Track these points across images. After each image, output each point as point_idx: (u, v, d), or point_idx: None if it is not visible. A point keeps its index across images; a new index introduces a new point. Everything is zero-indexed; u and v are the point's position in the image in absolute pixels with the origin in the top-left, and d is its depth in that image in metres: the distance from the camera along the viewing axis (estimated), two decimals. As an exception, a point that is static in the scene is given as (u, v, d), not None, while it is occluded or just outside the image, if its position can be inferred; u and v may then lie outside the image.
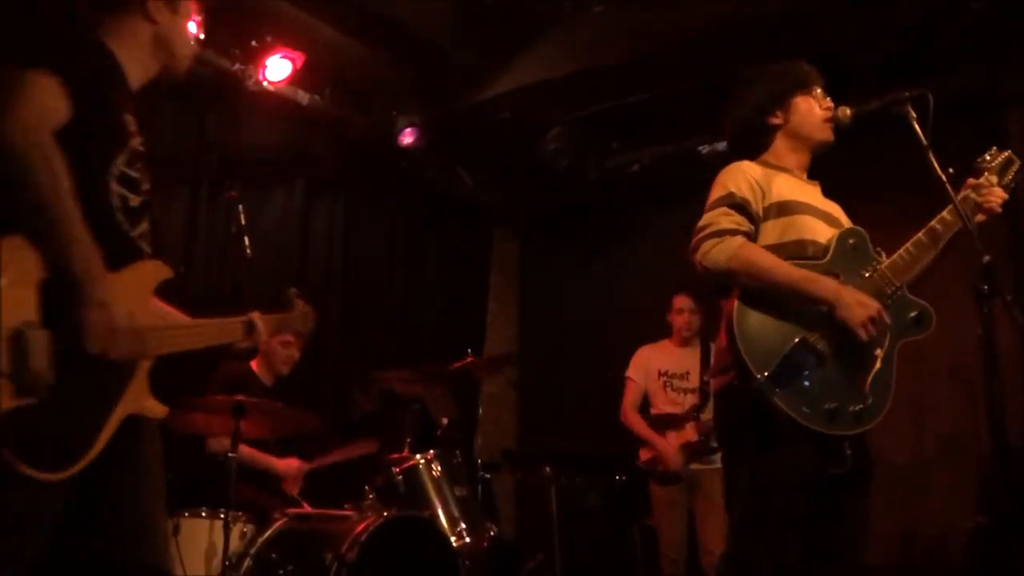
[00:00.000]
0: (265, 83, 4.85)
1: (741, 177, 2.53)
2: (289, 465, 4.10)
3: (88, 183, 1.85)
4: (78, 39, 2.03)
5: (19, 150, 1.71)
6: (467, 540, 3.89)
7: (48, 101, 1.79)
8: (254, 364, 4.31)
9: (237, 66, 4.73)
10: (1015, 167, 2.63)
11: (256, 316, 2.32)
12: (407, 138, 5.52)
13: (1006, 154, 2.64)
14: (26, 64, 1.81)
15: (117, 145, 1.98)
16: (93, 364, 1.80)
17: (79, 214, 1.77)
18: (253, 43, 4.75)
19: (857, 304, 2.35)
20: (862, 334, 2.34)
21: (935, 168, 2.38)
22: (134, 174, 2.01)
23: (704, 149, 5.78)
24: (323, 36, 4.88)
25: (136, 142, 2.03)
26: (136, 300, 1.94)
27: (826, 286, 2.39)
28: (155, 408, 1.99)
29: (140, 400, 1.95)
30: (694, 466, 4.68)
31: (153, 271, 2.04)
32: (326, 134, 5.56)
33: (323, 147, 5.60)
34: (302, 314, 2.59)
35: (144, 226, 2.04)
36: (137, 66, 2.09)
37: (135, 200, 2.00)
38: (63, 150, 1.79)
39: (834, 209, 2.69)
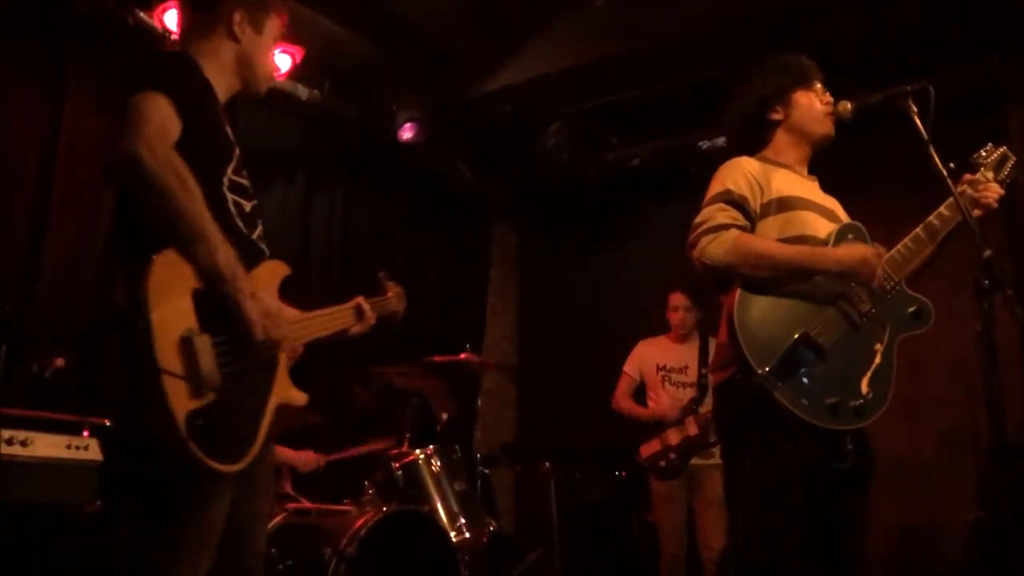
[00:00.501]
0: (264, 77, 4.83)
1: (739, 173, 2.53)
2: (307, 460, 4.10)
3: (207, 193, 1.94)
4: (176, 60, 2.13)
5: (151, 167, 1.82)
6: (466, 535, 3.89)
7: (164, 119, 1.89)
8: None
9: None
10: (1011, 163, 2.63)
11: (362, 300, 2.43)
12: (406, 133, 5.51)
13: (1001, 150, 2.65)
14: (138, 88, 1.91)
15: (226, 155, 2.09)
16: (249, 361, 1.92)
17: (214, 222, 1.88)
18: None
19: (860, 263, 2.38)
20: (877, 284, 2.41)
21: (936, 163, 2.37)
22: (243, 181, 2.12)
23: (704, 144, 5.78)
24: (323, 30, 4.87)
25: (238, 151, 2.14)
26: (269, 296, 2.05)
27: (826, 256, 2.41)
28: (299, 396, 2.11)
29: (286, 390, 2.07)
30: (693, 461, 4.69)
31: (277, 270, 2.15)
32: (325, 128, 5.55)
33: (322, 141, 5.60)
34: (396, 295, 2.72)
35: (260, 229, 2.15)
36: (221, 83, 2.17)
37: (248, 205, 2.12)
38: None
39: (833, 204, 2.68)
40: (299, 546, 3.43)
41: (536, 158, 6.08)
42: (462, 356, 4.61)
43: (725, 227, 2.41)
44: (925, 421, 5.08)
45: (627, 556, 5.32)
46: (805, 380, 2.33)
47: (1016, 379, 4.16)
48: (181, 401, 1.76)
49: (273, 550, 3.38)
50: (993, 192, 2.55)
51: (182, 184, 1.84)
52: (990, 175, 2.59)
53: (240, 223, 2.06)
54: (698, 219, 2.48)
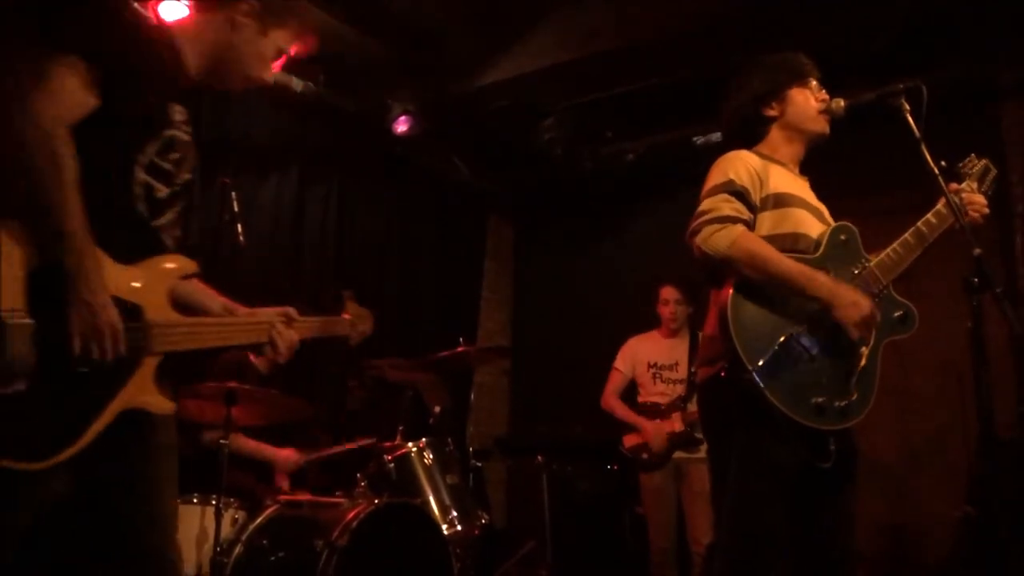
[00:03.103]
0: (259, 70, 4.82)
1: (741, 165, 2.53)
2: (287, 457, 4.10)
3: (110, 169, 1.83)
4: (125, 22, 1.94)
5: (29, 140, 1.68)
6: (458, 528, 3.90)
7: (70, 92, 1.75)
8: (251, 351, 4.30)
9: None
10: (992, 175, 2.70)
11: (284, 319, 2.17)
12: (401, 126, 5.51)
13: (984, 162, 2.70)
14: (56, 48, 1.77)
15: (150, 133, 1.93)
16: (79, 359, 1.76)
17: (78, 208, 1.72)
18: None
19: (852, 305, 2.36)
20: (854, 333, 2.37)
21: (928, 161, 2.39)
22: (166, 165, 1.96)
23: (699, 140, 5.78)
24: (317, 22, 4.85)
25: (176, 132, 1.98)
26: (149, 294, 1.90)
27: (823, 284, 2.39)
28: (159, 404, 1.92)
29: (142, 395, 1.88)
30: (679, 455, 4.72)
31: (173, 265, 1.98)
32: (320, 121, 5.54)
33: (317, 134, 5.59)
34: (358, 317, 2.50)
35: (169, 216, 1.98)
36: (195, 59, 2.04)
37: (163, 191, 1.95)
38: (88, 135, 1.76)
39: (822, 207, 2.70)
40: (290, 538, 3.43)
41: (531, 152, 6.09)
42: (459, 349, 4.61)
43: (732, 220, 2.42)
44: (915, 417, 5.11)
45: (618, 549, 5.34)
46: (793, 379, 2.34)
47: (1005, 376, 4.19)
48: None
49: (265, 541, 3.39)
50: (979, 205, 2.59)
51: (53, 167, 1.69)
52: (975, 185, 2.63)
53: (142, 206, 1.91)
54: (702, 207, 2.48)
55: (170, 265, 1.97)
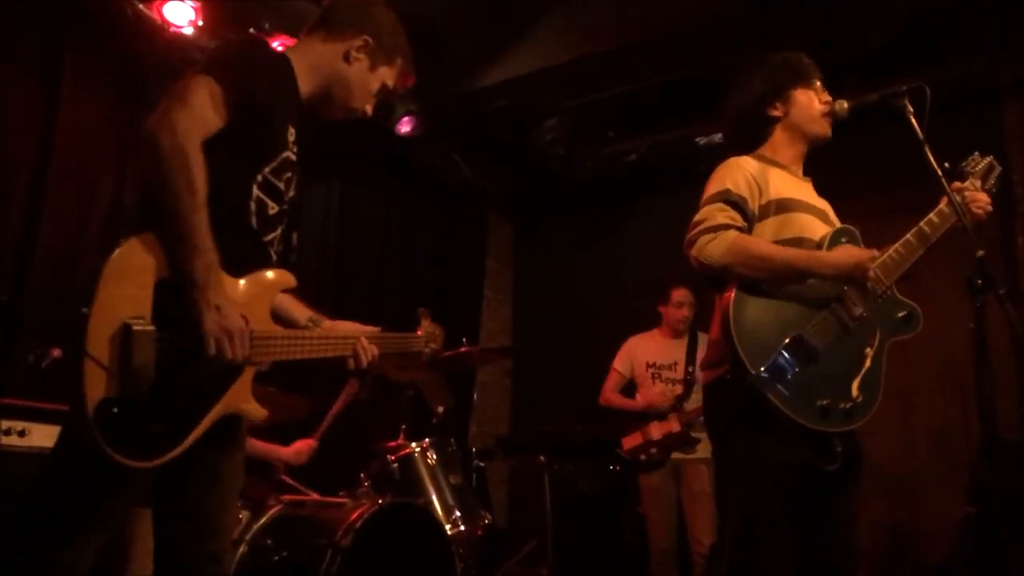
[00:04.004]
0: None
1: (739, 173, 2.53)
2: (299, 451, 4.10)
3: (232, 186, 1.95)
4: (255, 50, 2.12)
5: (166, 153, 1.81)
6: (462, 528, 3.91)
7: (205, 109, 1.88)
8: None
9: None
10: (996, 173, 2.68)
11: (365, 337, 2.28)
12: (404, 127, 5.52)
13: (988, 159, 2.69)
14: (200, 70, 1.92)
15: (268, 154, 2.06)
16: (199, 364, 1.87)
17: (207, 224, 1.84)
18: (251, 30, 4.73)
19: (855, 267, 2.38)
20: (870, 287, 2.42)
21: (931, 162, 2.39)
22: (279, 184, 2.09)
23: (701, 140, 5.79)
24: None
25: (290, 153, 2.11)
26: (253, 306, 2.01)
27: (822, 260, 2.41)
28: (255, 411, 2.04)
29: (240, 402, 2.00)
30: (677, 455, 4.73)
31: (275, 279, 2.09)
32: (322, 121, 5.54)
33: (319, 134, 5.57)
34: (430, 336, 2.64)
35: (277, 233, 2.11)
36: (305, 84, 2.19)
37: (274, 208, 2.08)
38: (216, 152, 1.89)
39: (825, 207, 2.70)
40: (294, 537, 3.43)
41: (533, 152, 6.09)
42: (462, 349, 4.61)
43: (724, 227, 2.42)
44: (917, 418, 5.12)
45: (620, 549, 5.34)
46: (797, 381, 2.34)
47: (1007, 377, 4.16)
48: (97, 386, 1.73)
49: (268, 541, 3.39)
50: (983, 203, 2.58)
51: (186, 176, 1.81)
52: (978, 183, 2.62)
53: (255, 222, 2.03)
54: (697, 217, 2.49)
55: (273, 278, 2.09)
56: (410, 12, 4.95)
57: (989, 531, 3.67)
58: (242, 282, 1.99)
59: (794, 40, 2.97)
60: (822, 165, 2.79)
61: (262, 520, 3.43)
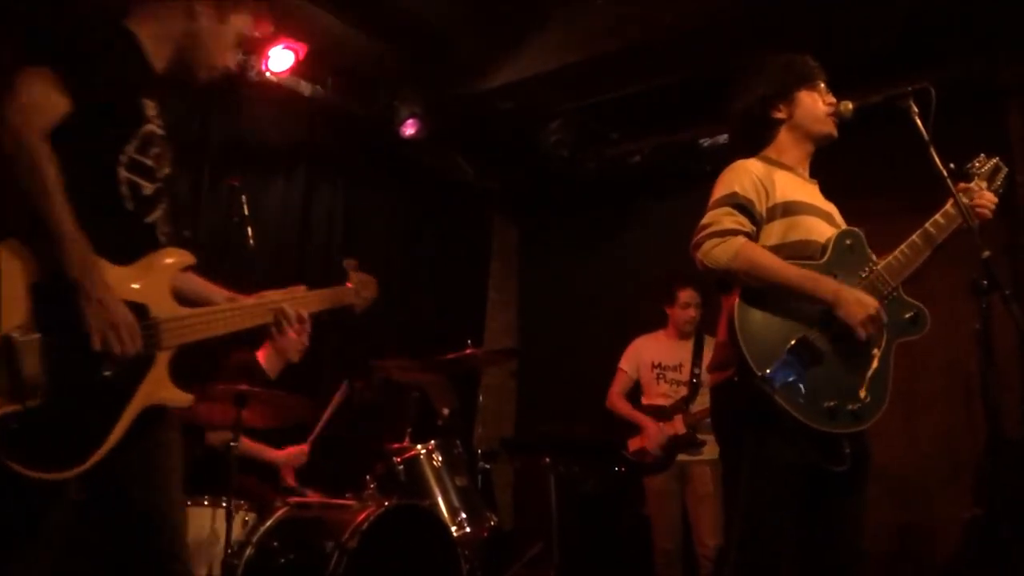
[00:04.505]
0: (268, 74, 4.85)
1: (746, 177, 2.53)
2: (289, 454, 4.12)
3: (95, 172, 1.86)
4: (90, 24, 2.00)
5: (7, 152, 1.73)
6: (467, 530, 3.91)
7: (39, 99, 1.79)
8: (260, 354, 4.32)
9: (240, 56, 4.73)
10: (1003, 174, 2.67)
11: (288, 295, 2.21)
12: (409, 129, 5.53)
13: (994, 160, 2.68)
14: (25, 61, 1.82)
15: (126, 132, 1.96)
16: (97, 363, 1.79)
17: (67, 214, 1.76)
18: (256, 34, 4.73)
19: (856, 303, 2.37)
20: (861, 333, 2.36)
21: (936, 163, 2.39)
22: (148, 161, 1.99)
23: (705, 142, 5.80)
24: (325, 26, 4.88)
25: (152, 127, 2.01)
26: (151, 291, 1.93)
27: (826, 286, 2.40)
28: (178, 398, 1.96)
29: (160, 391, 1.92)
30: (682, 457, 4.72)
31: (172, 259, 2.00)
32: (328, 124, 5.56)
33: (325, 136, 5.61)
34: (362, 284, 2.55)
35: (159, 213, 2.01)
36: (159, 54, 2.06)
37: (148, 187, 1.98)
38: (67, 140, 1.80)
39: (832, 209, 2.70)
40: (301, 540, 3.44)
41: (537, 154, 6.10)
42: (467, 351, 4.62)
43: (732, 233, 2.42)
44: (922, 419, 5.11)
45: (625, 550, 5.34)
46: (804, 383, 2.34)
47: (1012, 377, 4.17)
48: None
49: (275, 543, 3.40)
50: (988, 201, 2.57)
51: (32, 171, 1.74)
52: (984, 184, 2.61)
53: (131, 205, 1.94)
54: (704, 221, 2.49)
55: (168, 260, 2.00)
56: (415, 14, 5.03)
57: (995, 532, 3.67)
58: (130, 269, 1.90)
59: (795, 41, 2.97)
60: (827, 166, 2.79)
61: (269, 522, 3.44)
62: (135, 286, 1.90)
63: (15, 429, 1.67)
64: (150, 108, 2.02)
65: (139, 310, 1.88)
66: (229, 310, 2.10)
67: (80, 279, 1.76)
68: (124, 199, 1.93)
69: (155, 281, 1.95)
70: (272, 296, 2.21)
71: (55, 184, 1.75)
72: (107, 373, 1.80)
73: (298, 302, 2.23)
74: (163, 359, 1.93)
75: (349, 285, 2.54)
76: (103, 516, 1.94)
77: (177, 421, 2.05)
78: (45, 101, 1.80)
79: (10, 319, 1.70)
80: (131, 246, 1.92)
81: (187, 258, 2.04)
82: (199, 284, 2.15)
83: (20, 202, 1.74)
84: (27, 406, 1.69)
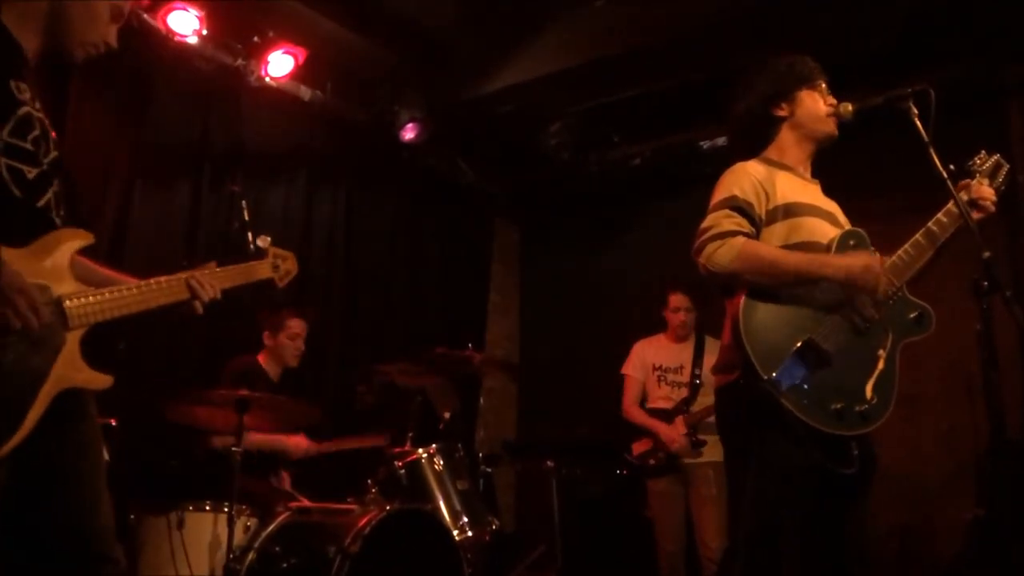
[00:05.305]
0: (267, 79, 4.86)
1: (746, 179, 2.54)
2: (297, 443, 4.12)
3: None
4: None
5: None
6: (469, 534, 3.91)
7: None
8: (261, 358, 4.33)
9: (239, 62, 4.74)
10: (1004, 170, 2.67)
11: (197, 273, 2.13)
12: (409, 133, 5.54)
13: (995, 158, 2.68)
14: None
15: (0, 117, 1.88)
16: (3, 345, 1.73)
17: None
18: (255, 39, 4.75)
19: (864, 271, 2.39)
20: (880, 295, 2.41)
21: (936, 164, 2.39)
22: (26, 145, 1.90)
23: (706, 144, 5.80)
24: (325, 31, 4.89)
25: (28, 109, 1.93)
26: (50, 272, 1.87)
27: (835, 263, 2.42)
28: (94, 379, 1.89)
29: (74, 374, 1.85)
30: (686, 460, 4.72)
31: (67, 240, 1.93)
32: (328, 128, 5.57)
33: (325, 141, 5.61)
34: (274, 261, 2.43)
35: (49, 197, 1.94)
36: (26, 35, 1.98)
37: (32, 171, 1.90)
38: None
39: (834, 208, 2.70)
40: (303, 544, 3.44)
41: (538, 157, 6.11)
42: (466, 352, 4.61)
43: (732, 234, 2.42)
44: (924, 420, 5.10)
45: (628, 553, 5.34)
46: (810, 385, 2.34)
47: (1014, 378, 4.18)
48: None
49: (277, 548, 3.40)
50: (989, 196, 2.57)
51: None
52: (985, 182, 2.61)
53: (17, 190, 1.86)
54: (704, 225, 2.49)
55: (65, 240, 1.93)
56: (416, 19, 5.04)
57: (997, 533, 3.66)
58: (24, 251, 1.83)
59: (795, 42, 2.97)
60: (828, 168, 2.79)
61: (271, 527, 3.44)
62: (31, 267, 1.83)
63: None
64: (24, 91, 1.94)
65: (39, 289, 1.81)
66: (141, 287, 2.03)
67: None
68: (7, 184, 1.85)
69: (53, 261, 1.88)
70: (183, 273, 2.14)
71: None
72: (9, 358, 1.73)
73: (215, 276, 2.17)
74: (74, 339, 1.87)
75: (264, 261, 2.43)
76: (26, 520, 1.85)
77: (94, 410, 1.98)
78: None
79: None
80: (24, 231, 1.85)
81: (85, 237, 1.97)
82: (98, 269, 2.09)
83: None
84: None
